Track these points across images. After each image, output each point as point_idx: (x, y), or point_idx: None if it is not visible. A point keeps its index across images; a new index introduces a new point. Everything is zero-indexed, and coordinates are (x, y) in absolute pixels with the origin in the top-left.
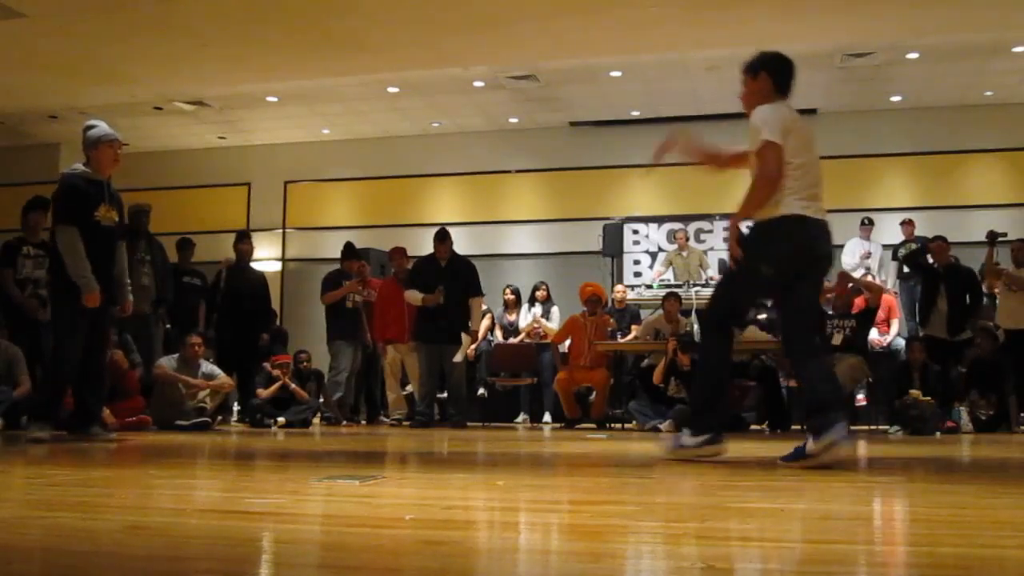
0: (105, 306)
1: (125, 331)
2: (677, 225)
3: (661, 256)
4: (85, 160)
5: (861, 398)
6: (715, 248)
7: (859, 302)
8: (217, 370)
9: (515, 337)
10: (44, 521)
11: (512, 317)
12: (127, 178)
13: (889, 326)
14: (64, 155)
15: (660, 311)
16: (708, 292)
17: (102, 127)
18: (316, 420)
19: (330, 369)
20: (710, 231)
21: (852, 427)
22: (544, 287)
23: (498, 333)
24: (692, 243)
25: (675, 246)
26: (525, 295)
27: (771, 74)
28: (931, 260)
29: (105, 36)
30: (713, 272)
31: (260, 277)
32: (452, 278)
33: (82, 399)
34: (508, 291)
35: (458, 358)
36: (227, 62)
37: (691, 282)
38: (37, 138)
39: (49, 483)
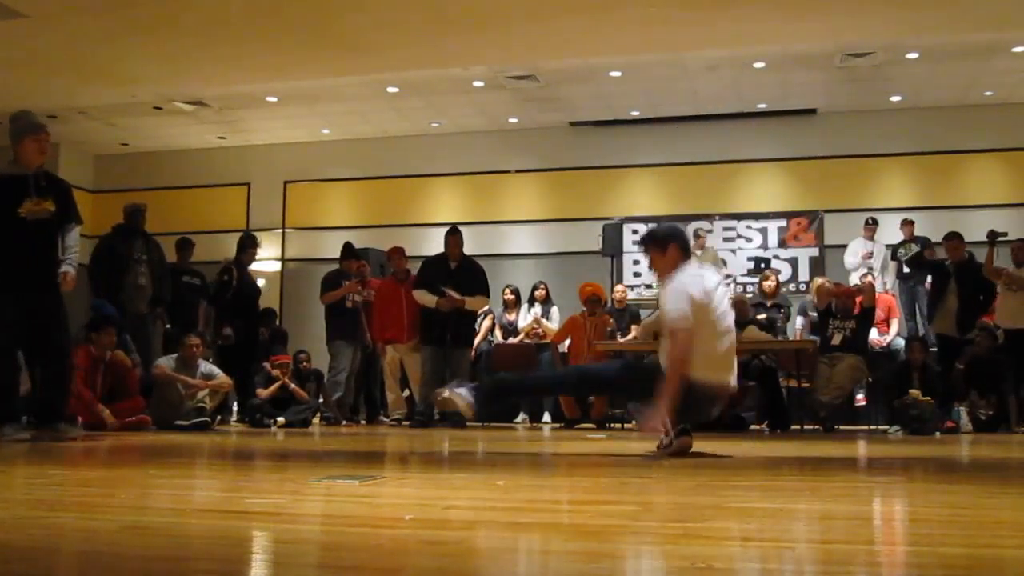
0: (44, 299)
1: (124, 331)
2: (701, 224)
3: None
4: (12, 157)
5: (861, 398)
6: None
7: (858, 301)
8: (216, 370)
9: (515, 337)
10: (44, 521)
11: (512, 317)
12: (127, 178)
13: (889, 326)
14: (64, 155)
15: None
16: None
17: (25, 119)
18: (316, 420)
19: (330, 369)
20: (709, 231)
21: (852, 427)
22: (543, 287)
23: (498, 333)
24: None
25: None
26: (525, 295)
27: (679, 244)
28: (938, 257)
29: (105, 36)
30: (728, 270)
31: (252, 277)
32: (461, 279)
33: (45, 394)
34: (508, 291)
35: (470, 306)
36: (227, 62)
37: None
38: None
39: (49, 483)
